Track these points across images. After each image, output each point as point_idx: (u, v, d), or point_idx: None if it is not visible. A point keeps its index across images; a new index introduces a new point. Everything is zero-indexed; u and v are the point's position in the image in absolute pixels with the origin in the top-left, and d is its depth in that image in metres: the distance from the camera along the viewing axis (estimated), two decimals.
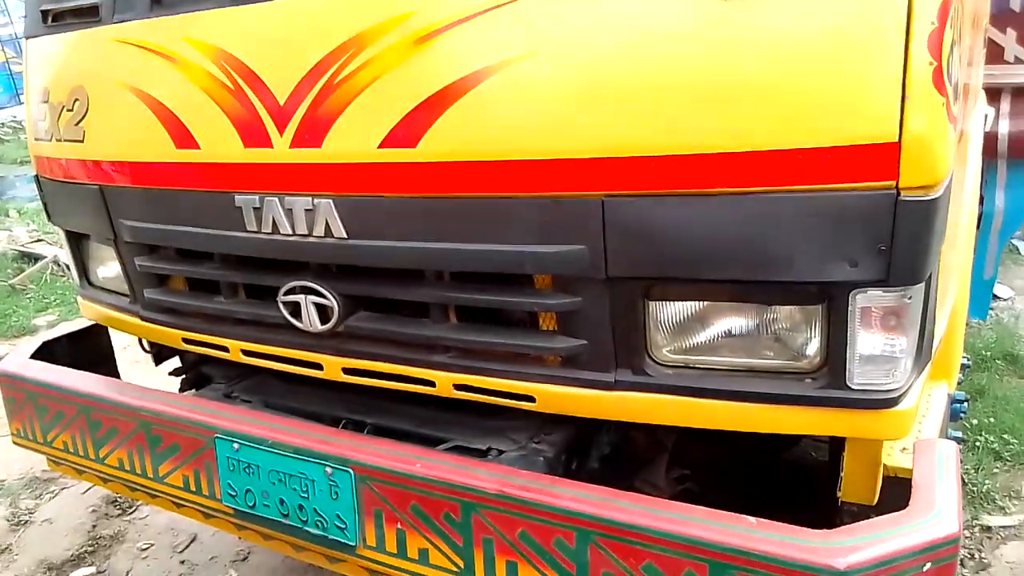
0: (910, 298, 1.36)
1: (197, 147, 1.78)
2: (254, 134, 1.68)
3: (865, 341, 1.39)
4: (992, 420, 3.56)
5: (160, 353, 2.57)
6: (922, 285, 1.36)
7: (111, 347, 2.69)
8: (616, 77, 1.36)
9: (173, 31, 1.78)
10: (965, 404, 2.74)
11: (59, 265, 6.29)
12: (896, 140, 1.23)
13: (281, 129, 1.65)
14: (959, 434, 2.78)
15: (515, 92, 1.43)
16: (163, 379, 2.52)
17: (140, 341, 2.50)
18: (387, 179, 1.57)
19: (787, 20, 1.25)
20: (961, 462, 3.17)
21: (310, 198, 1.66)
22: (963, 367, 2.78)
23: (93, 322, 2.53)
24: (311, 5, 1.60)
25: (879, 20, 1.21)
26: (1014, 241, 5.52)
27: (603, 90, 1.37)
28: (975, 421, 3.54)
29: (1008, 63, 2.96)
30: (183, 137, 1.80)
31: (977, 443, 3.40)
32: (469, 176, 1.49)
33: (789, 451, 2.40)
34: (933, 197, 1.28)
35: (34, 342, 2.48)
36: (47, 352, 2.43)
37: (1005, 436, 3.44)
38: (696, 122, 1.32)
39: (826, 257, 1.32)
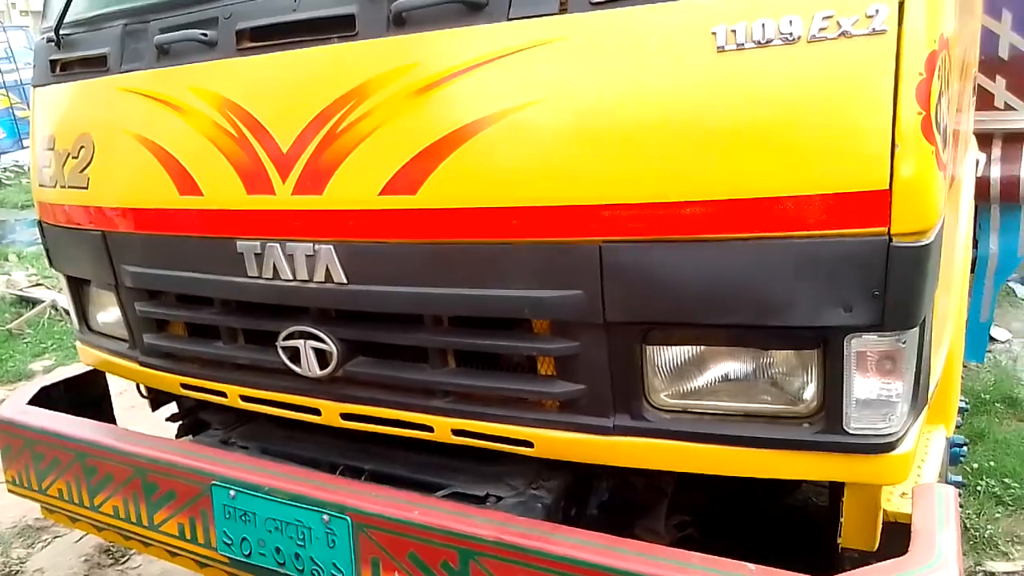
0: (904, 343, 1.37)
1: (200, 194, 1.81)
2: (257, 181, 1.71)
3: (861, 386, 1.40)
4: (993, 464, 3.53)
5: (157, 399, 2.56)
6: (916, 329, 1.38)
7: (108, 393, 2.69)
8: (613, 126, 1.39)
9: (179, 81, 1.82)
10: (965, 448, 2.73)
11: (57, 310, 6.28)
12: (887, 187, 1.25)
13: (284, 176, 1.67)
14: (959, 478, 2.75)
15: (513, 141, 1.46)
16: (159, 425, 2.51)
17: (137, 386, 2.49)
18: (387, 226, 1.59)
19: (779, 71, 1.29)
20: (962, 507, 3.16)
21: (311, 244, 1.68)
22: (961, 411, 2.78)
23: (90, 367, 2.53)
24: (314, 56, 1.63)
25: (868, 71, 1.24)
26: (1011, 284, 5.55)
27: (600, 139, 1.40)
28: (976, 465, 3.51)
29: (998, 109, 3.02)
30: (186, 184, 1.82)
31: (979, 488, 3.37)
32: (468, 223, 1.51)
33: (789, 496, 2.38)
34: (925, 243, 1.30)
35: (31, 387, 2.48)
36: (44, 397, 2.43)
37: (1006, 480, 3.41)
38: (691, 170, 1.35)
39: (820, 302, 1.34)
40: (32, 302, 6.62)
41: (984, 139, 2.93)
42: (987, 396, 4.19)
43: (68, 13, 2.05)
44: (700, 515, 2.14)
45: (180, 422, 2.53)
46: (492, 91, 1.47)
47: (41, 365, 5.44)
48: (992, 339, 4.78)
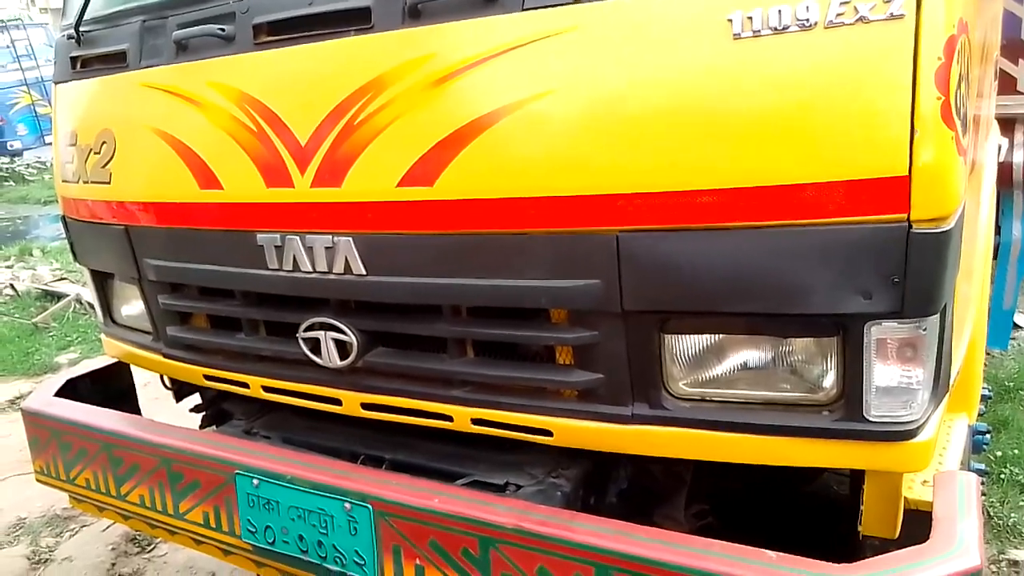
0: (925, 330, 1.36)
1: (220, 187, 1.83)
2: (276, 174, 1.73)
3: (881, 373, 1.40)
4: (1017, 452, 3.50)
5: (181, 390, 2.59)
6: (937, 316, 1.37)
7: (133, 384, 2.73)
8: (628, 115, 1.39)
9: (198, 75, 1.84)
10: (988, 436, 2.69)
11: (81, 303, 6.37)
12: (907, 173, 1.24)
13: (302, 169, 1.69)
14: (982, 466, 2.72)
15: (530, 131, 1.46)
16: (184, 416, 2.55)
17: (161, 378, 2.53)
18: (405, 217, 1.60)
19: (796, 57, 1.28)
20: (986, 495, 3.14)
21: (330, 236, 1.69)
22: (984, 398, 2.75)
23: (115, 360, 2.56)
24: (331, 49, 1.64)
25: (887, 56, 1.24)
26: None
27: (616, 128, 1.40)
28: (999, 453, 3.48)
29: (1021, 93, 2.97)
30: (207, 178, 1.84)
31: (1002, 475, 3.34)
32: (486, 213, 1.52)
33: (811, 485, 2.38)
34: (945, 229, 1.29)
35: (58, 380, 2.52)
36: (71, 389, 2.47)
37: None
38: (707, 158, 1.35)
39: (840, 289, 1.33)
40: (57, 296, 6.72)
41: (1007, 124, 2.89)
42: (1011, 384, 4.15)
43: (88, 10, 2.08)
44: (720, 503, 2.14)
45: (203, 413, 2.57)
46: (508, 82, 1.47)
47: (66, 358, 5.53)
48: (1016, 326, 4.72)
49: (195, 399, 2.62)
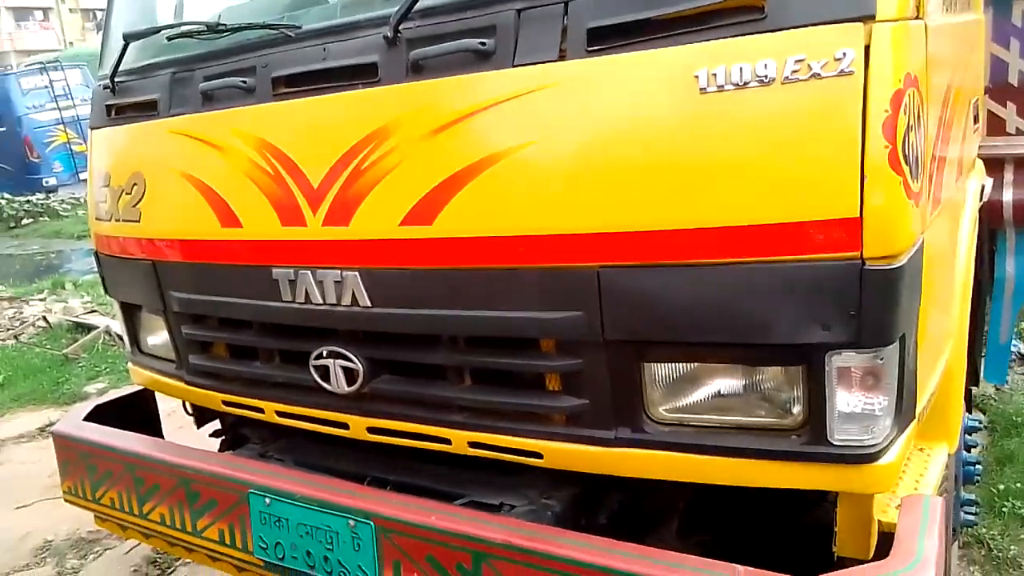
0: (883, 359, 1.47)
1: (240, 226, 1.98)
2: (290, 214, 1.88)
3: (843, 399, 1.50)
4: (1020, 486, 3.52)
5: (202, 416, 2.73)
6: (895, 346, 1.47)
7: (157, 411, 2.87)
8: (607, 162, 1.53)
9: (221, 123, 2.01)
10: (978, 466, 2.76)
11: (110, 335, 6.56)
12: (858, 215, 1.36)
13: (314, 209, 1.84)
14: (972, 496, 2.78)
15: (519, 175, 1.60)
16: (204, 441, 2.68)
17: (184, 404, 2.67)
18: (407, 253, 1.74)
19: (757, 110, 1.41)
20: (987, 528, 3.17)
21: (339, 271, 1.83)
22: (975, 429, 2.80)
23: (141, 387, 2.71)
24: (341, 100, 1.80)
25: (838, 109, 1.36)
26: None
27: (596, 173, 1.53)
28: (1002, 486, 3.50)
29: (1010, 135, 3.07)
30: (228, 217, 2.00)
31: (1004, 508, 3.37)
32: (479, 250, 1.65)
33: (813, 513, 2.42)
34: (897, 265, 1.40)
35: (86, 406, 2.67)
36: (98, 415, 2.61)
37: None
38: (680, 200, 1.47)
39: (801, 321, 1.44)
40: (87, 328, 6.91)
41: (996, 163, 2.98)
42: (1019, 419, 4.16)
43: (122, 62, 2.26)
44: (720, 534, 2.19)
45: (222, 437, 2.71)
46: (500, 131, 1.62)
47: (95, 388, 5.69)
48: (1021, 359, 4.74)
49: (216, 425, 2.76)
